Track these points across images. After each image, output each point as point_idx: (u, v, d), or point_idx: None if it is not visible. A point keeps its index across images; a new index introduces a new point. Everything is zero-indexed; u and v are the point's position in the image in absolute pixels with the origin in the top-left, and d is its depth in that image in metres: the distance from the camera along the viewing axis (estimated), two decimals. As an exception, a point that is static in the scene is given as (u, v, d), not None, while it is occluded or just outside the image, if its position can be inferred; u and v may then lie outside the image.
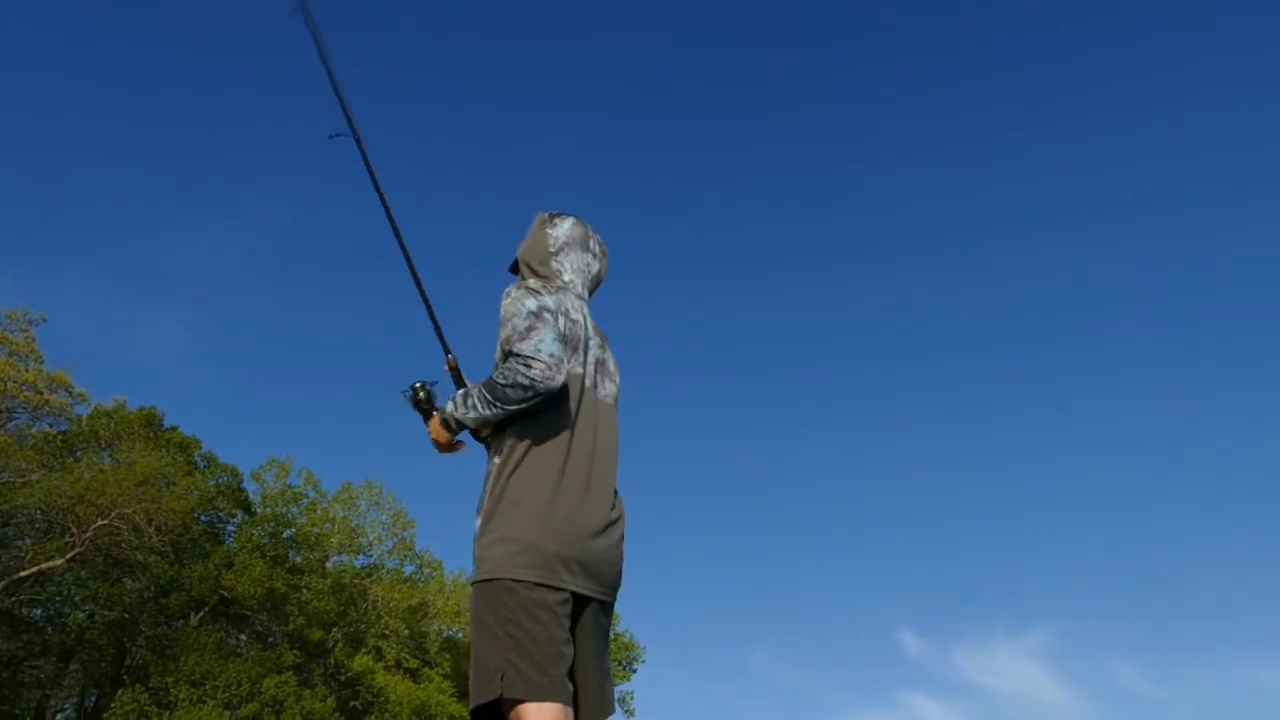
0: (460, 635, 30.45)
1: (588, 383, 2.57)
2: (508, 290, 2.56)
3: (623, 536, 2.59)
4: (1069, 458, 54.59)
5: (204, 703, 20.16)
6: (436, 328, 2.80)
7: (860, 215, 61.58)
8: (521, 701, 2.24)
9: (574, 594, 2.39)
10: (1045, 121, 59.69)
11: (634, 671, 32.93)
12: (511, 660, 2.26)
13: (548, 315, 2.46)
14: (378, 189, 2.87)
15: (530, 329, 2.41)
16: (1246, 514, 53.35)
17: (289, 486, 26.64)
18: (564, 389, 2.47)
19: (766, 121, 63.77)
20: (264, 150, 50.87)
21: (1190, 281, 56.48)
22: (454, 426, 2.56)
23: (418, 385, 2.70)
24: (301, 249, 50.87)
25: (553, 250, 2.72)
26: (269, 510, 25.52)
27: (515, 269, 2.80)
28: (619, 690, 32.86)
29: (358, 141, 2.88)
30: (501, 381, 2.39)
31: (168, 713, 20.28)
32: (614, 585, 2.55)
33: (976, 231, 59.69)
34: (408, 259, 2.83)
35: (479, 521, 2.45)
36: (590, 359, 2.60)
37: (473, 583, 2.41)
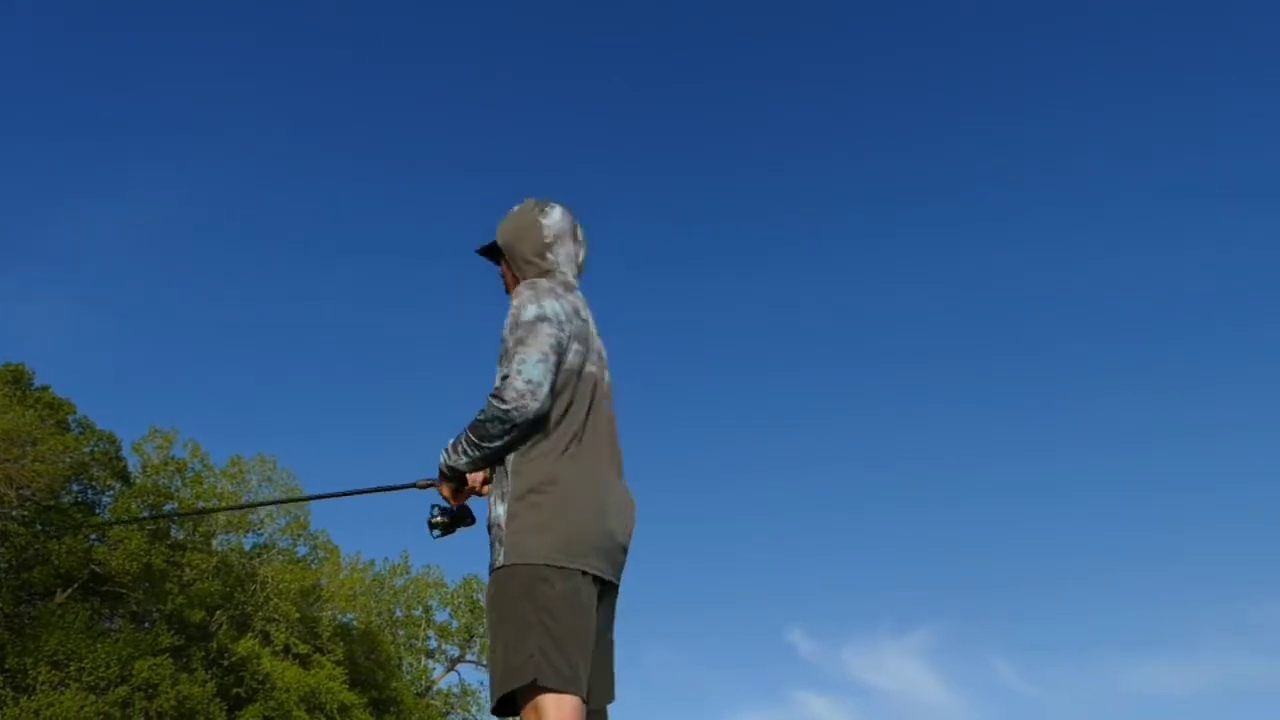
0: (354, 621, 29.01)
1: (593, 370, 2.57)
2: (519, 289, 2.55)
3: (632, 516, 2.59)
4: (952, 463, 55.61)
5: (66, 685, 18.37)
6: (393, 489, 2.93)
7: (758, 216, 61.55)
8: (546, 690, 2.23)
9: (597, 578, 2.40)
10: (1042, 115, 59.73)
11: (536, 663, 31.92)
12: (544, 648, 2.26)
13: (543, 326, 2.42)
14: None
15: (519, 343, 2.40)
16: (1116, 518, 55.21)
17: (172, 458, 24.80)
18: (582, 383, 2.50)
19: (757, 115, 62.94)
20: (151, 134, 48.47)
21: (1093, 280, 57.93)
22: (450, 475, 2.62)
23: (434, 519, 2.76)
24: (190, 231, 48.84)
25: (548, 241, 2.68)
26: (149, 481, 23.64)
27: (492, 253, 2.78)
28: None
29: None
30: (481, 418, 2.42)
31: (25, 696, 18.41)
32: (621, 567, 2.56)
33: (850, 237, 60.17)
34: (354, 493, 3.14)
35: (503, 508, 2.42)
36: (596, 351, 2.60)
37: (500, 568, 2.37)
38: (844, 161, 62.20)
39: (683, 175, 61.19)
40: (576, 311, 2.54)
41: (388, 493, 2.98)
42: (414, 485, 2.84)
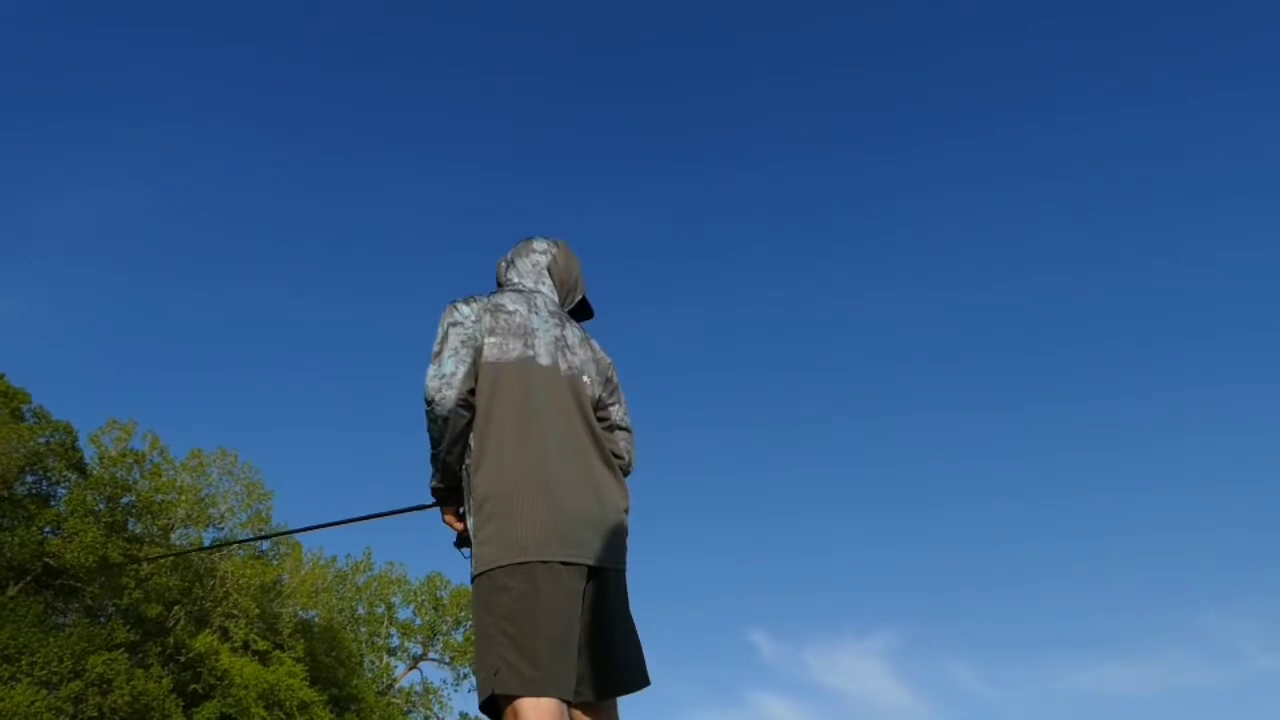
0: (316, 618, 28.61)
1: (545, 361, 2.63)
2: None
3: (614, 498, 2.59)
4: (917, 467, 56.02)
5: (17, 680, 17.90)
6: (418, 508, 2.99)
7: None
8: (517, 697, 2.26)
9: (566, 564, 2.40)
10: (1043, 118, 60.07)
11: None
12: (506, 657, 2.29)
13: (452, 330, 2.62)
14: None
15: (434, 355, 2.61)
16: (1070, 522, 55.72)
17: (130, 450, 24.29)
18: (509, 373, 2.58)
19: (757, 114, 62.78)
20: (117, 127, 47.57)
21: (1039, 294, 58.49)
22: (436, 497, 2.74)
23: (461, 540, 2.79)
24: (156, 224, 47.96)
25: (505, 267, 2.96)
26: (106, 473, 23.13)
27: None
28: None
29: None
30: (426, 428, 2.60)
31: (-26, 692, 17.92)
32: (611, 550, 2.52)
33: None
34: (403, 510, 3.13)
35: (470, 521, 2.52)
36: (546, 338, 2.67)
37: (472, 580, 2.47)
38: (844, 161, 62.35)
39: (683, 175, 61.16)
40: (499, 307, 2.69)
41: (419, 512, 3.03)
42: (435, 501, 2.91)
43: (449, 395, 2.53)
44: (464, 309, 2.67)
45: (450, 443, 2.57)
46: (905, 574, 54.02)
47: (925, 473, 57.04)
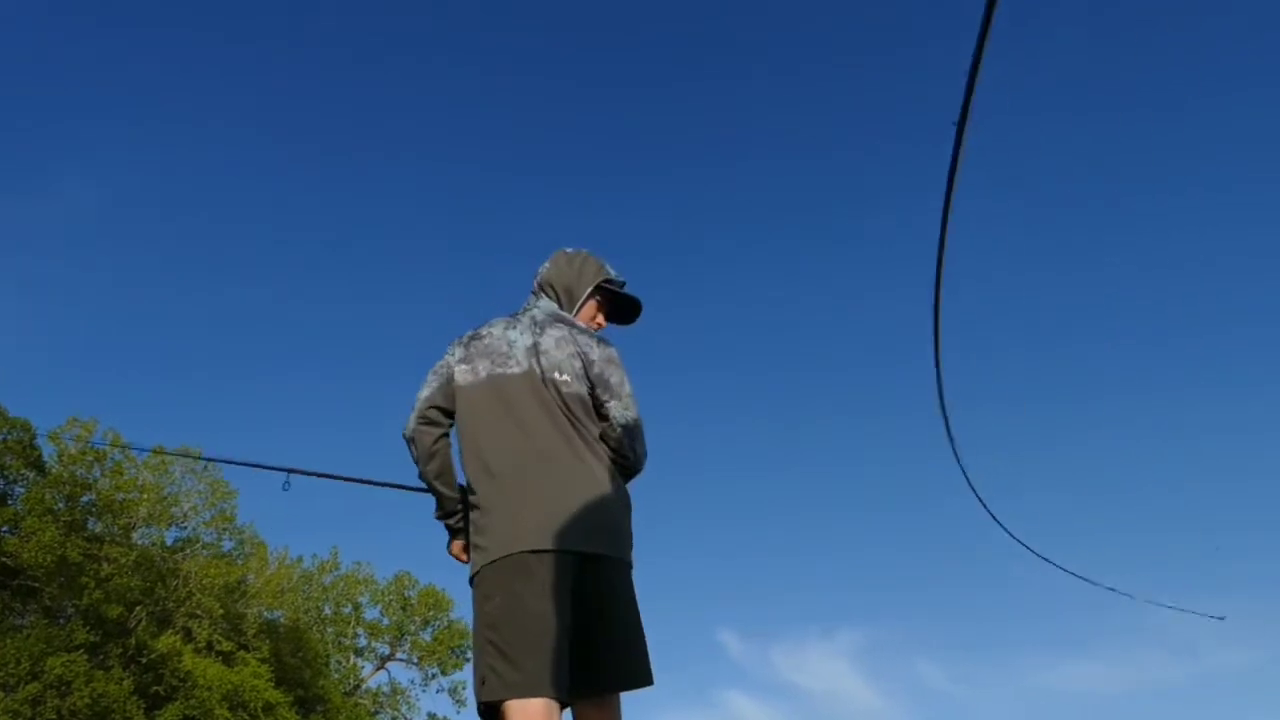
0: (281, 618, 28.27)
1: (518, 369, 2.69)
2: None
3: (603, 489, 2.57)
4: (888, 469, 56.30)
5: (-27, 683, 17.52)
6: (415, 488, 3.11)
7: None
8: (504, 700, 2.29)
9: (547, 552, 2.40)
10: (1044, 118, 60.17)
11: (466, 660, 31.45)
12: (492, 665, 2.32)
13: (431, 370, 2.80)
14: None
15: None
16: (1036, 521, 56.16)
17: (91, 448, 23.85)
18: (481, 393, 2.68)
19: (756, 114, 62.24)
20: (81, 124, 46.56)
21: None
22: (448, 529, 2.81)
23: None
24: (157, 223, 47.07)
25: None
26: (65, 471, 22.71)
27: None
28: (451, 680, 31.45)
29: None
30: None
31: (-73, 695, 17.51)
32: (603, 538, 2.51)
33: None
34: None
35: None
36: (521, 346, 2.73)
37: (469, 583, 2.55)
38: (844, 161, 62.28)
39: (683, 175, 60.81)
40: (474, 336, 2.80)
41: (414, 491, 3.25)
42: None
43: (410, 418, 2.72)
44: (447, 351, 2.83)
45: (425, 459, 2.71)
46: (873, 573, 54.26)
47: (901, 473, 57.37)
